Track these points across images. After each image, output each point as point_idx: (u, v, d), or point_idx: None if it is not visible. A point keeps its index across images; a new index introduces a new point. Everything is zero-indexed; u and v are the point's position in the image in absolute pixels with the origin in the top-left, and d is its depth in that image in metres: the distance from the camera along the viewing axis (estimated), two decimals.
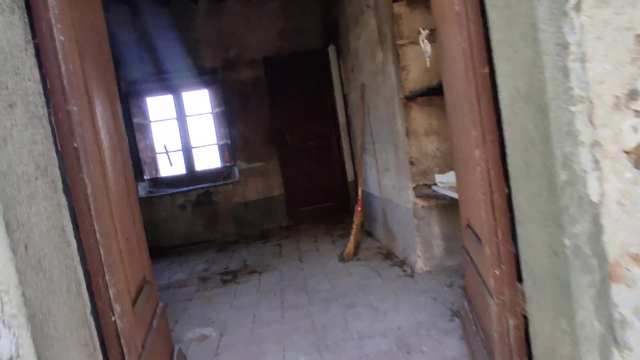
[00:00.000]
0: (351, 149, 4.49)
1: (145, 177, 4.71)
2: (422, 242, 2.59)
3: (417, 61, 2.43)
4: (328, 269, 3.09)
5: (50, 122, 0.97)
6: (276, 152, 4.91)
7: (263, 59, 4.82)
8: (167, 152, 5.07)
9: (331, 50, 4.79)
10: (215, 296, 2.90)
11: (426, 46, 1.69)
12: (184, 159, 5.00)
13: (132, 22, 4.59)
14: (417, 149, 2.51)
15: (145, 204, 4.68)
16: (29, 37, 0.92)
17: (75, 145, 1.03)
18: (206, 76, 4.90)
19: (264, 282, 3.04)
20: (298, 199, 4.98)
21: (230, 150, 4.93)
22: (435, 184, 2.45)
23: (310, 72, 4.90)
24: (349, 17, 3.51)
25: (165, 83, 4.81)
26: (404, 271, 2.74)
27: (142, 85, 4.76)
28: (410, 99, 2.43)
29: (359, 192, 3.44)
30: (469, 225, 1.56)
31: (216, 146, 5.18)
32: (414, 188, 2.54)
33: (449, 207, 2.53)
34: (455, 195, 1.90)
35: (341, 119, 4.85)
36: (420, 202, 2.55)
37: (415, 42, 2.42)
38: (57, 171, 0.97)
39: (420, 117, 2.48)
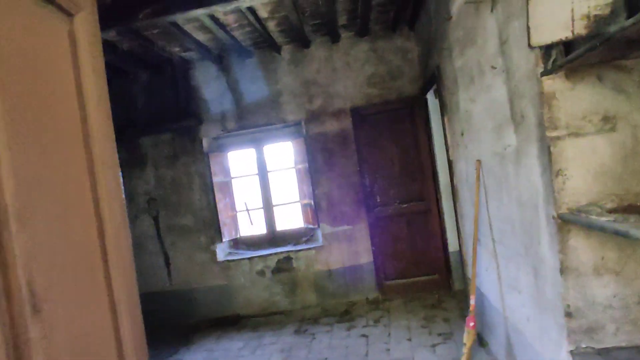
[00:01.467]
0: (456, 215, 3.61)
1: (224, 239, 4.44)
2: None
3: (582, 163, 1.58)
4: None
5: None
6: (365, 214, 4.26)
7: (350, 109, 4.25)
8: (247, 210, 4.76)
9: (430, 96, 4.01)
10: None
11: None
12: (265, 218, 4.64)
13: (217, 78, 4.41)
14: (579, 293, 1.63)
15: (224, 269, 4.40)
16: None
17: None
18: (289, 128, 4.51)
19: None
20: (389, 270, 4.24)
21: (314, 210, 4.42)
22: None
23: (405, 122, 4.18)
24: (458, 70, 2.73)
25: (246, 137, 4.53)
26: None
27: (224, 140, 4.54)
28: (570, 221, 1.58)
29: (471, 301, 2.59)
30: None
31: (298, 204, 4.73)
32: (572, 351, 1.66)
33: None
34: None
35: (442, 178, 4.02)
36: None
37: (579, 134, 1.58)
38: None
39: (586, 247, 1.60)
